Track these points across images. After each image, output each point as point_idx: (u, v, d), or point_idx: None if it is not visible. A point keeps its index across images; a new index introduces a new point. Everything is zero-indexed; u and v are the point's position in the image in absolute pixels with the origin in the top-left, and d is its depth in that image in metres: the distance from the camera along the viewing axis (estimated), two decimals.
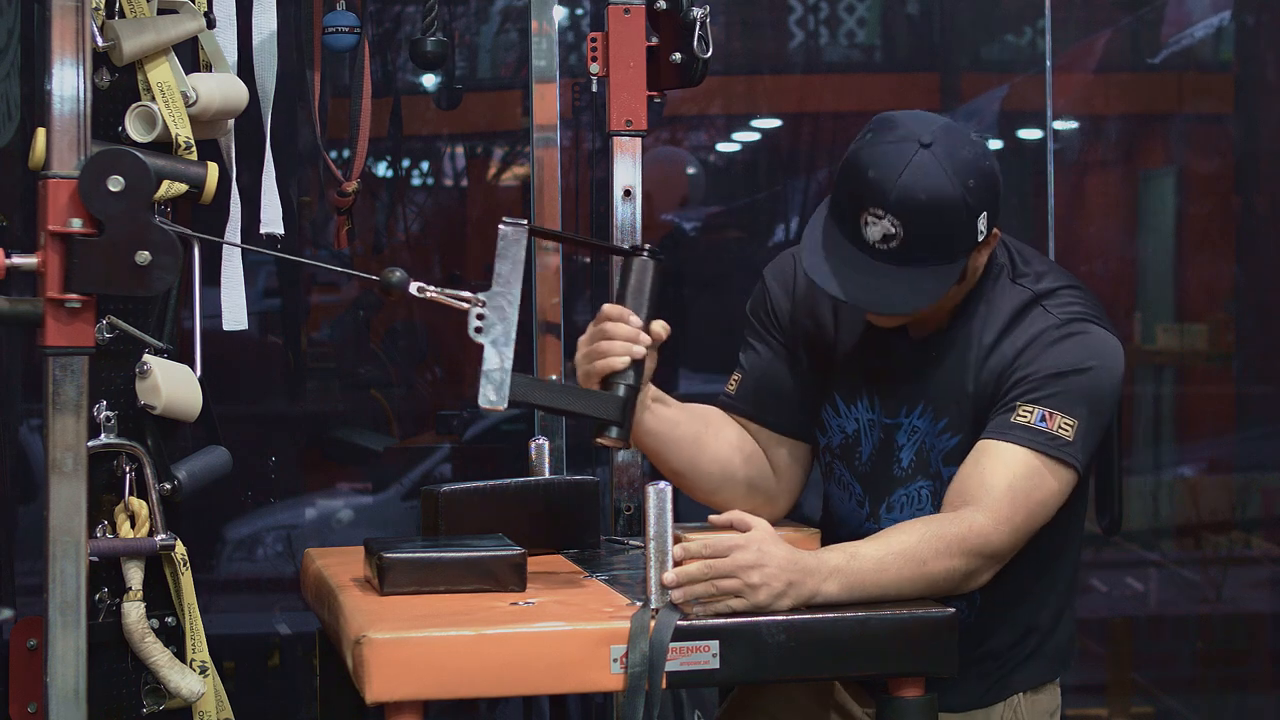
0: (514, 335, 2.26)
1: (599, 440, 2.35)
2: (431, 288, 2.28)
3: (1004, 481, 2.29)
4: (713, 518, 2.26)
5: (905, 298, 2.31)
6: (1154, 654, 4.77)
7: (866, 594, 2.20)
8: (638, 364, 2.36)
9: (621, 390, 2.35)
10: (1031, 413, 2.32)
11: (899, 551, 2.23)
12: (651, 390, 2.44)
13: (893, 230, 2.27)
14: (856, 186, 2.29)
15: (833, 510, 2.56)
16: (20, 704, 2.51)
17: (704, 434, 2.52)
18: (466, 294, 2.28)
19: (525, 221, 2.29)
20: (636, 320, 2.37)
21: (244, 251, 2.67)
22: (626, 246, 2.47)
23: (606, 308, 2.38)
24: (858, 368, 2.48)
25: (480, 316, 2.26)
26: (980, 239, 2.33)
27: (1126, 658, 4.67)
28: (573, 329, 3.22)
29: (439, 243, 4.40)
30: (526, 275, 3.10)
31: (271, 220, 2.74)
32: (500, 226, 2.28)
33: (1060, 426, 2.32)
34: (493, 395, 2.26)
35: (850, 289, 2.31)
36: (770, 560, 2.16)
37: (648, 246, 2.44)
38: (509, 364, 2.26)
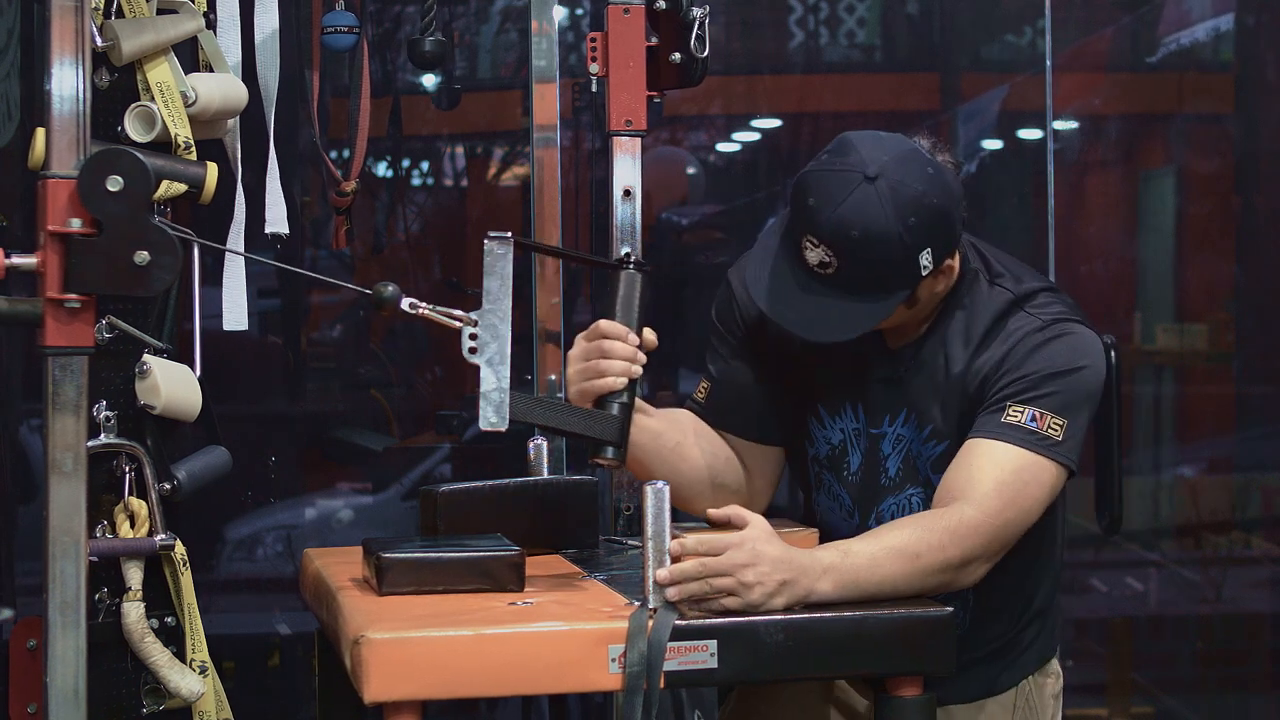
0: (509, 352, 2.24)
1: (596, 461, 2.33)
2: (424, 305, 2.25)
3: (993, 478, 2.29)
4: (711, 512, 2.26)
5: (834, 326, 2.30)
6: (1154, 654, 4.77)
7: (861, 591, 2.20)
8: (632, 381, 2.34)
9: (617, 409, 2.33)
10: (1022, 413, 2.32)
11: (892, 547, 2.23)
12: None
13: (828, 259, 2.27)
14: (799, 210, 2.30)
15: (822, 521, 2.56)
16: (20, 704, 2.51)
17: (684, 443, 2.51)
18: (458, 313, 2.26)
19: (510, 235, 2.26)
20: (634, 338, 2.34)
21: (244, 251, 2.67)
22: (612, 260, 2.44)
23: (603, 325, 2.35)
24: (838, 378, 2.47)
25: (473, 337, 2.24)
26: (925, 273, 2.30)
27: (1126, 658, 4.67)
28: (572, 330, 3.22)
29: (439, 243, 4.40)
30: (526, 278, 3.10)
31: (276, 220, 2.74)
32: (485, 242, 2.26)
33: (1050, 426, 2.32)
34: (493, 416, 2.23)
35: (781, 310, 2.31)
36: (764, 559, 2.16)
37: (633, 259, 2.41)
38: (506, 383, 2.24)
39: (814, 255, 2.28)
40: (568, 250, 2.36)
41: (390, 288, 2.25)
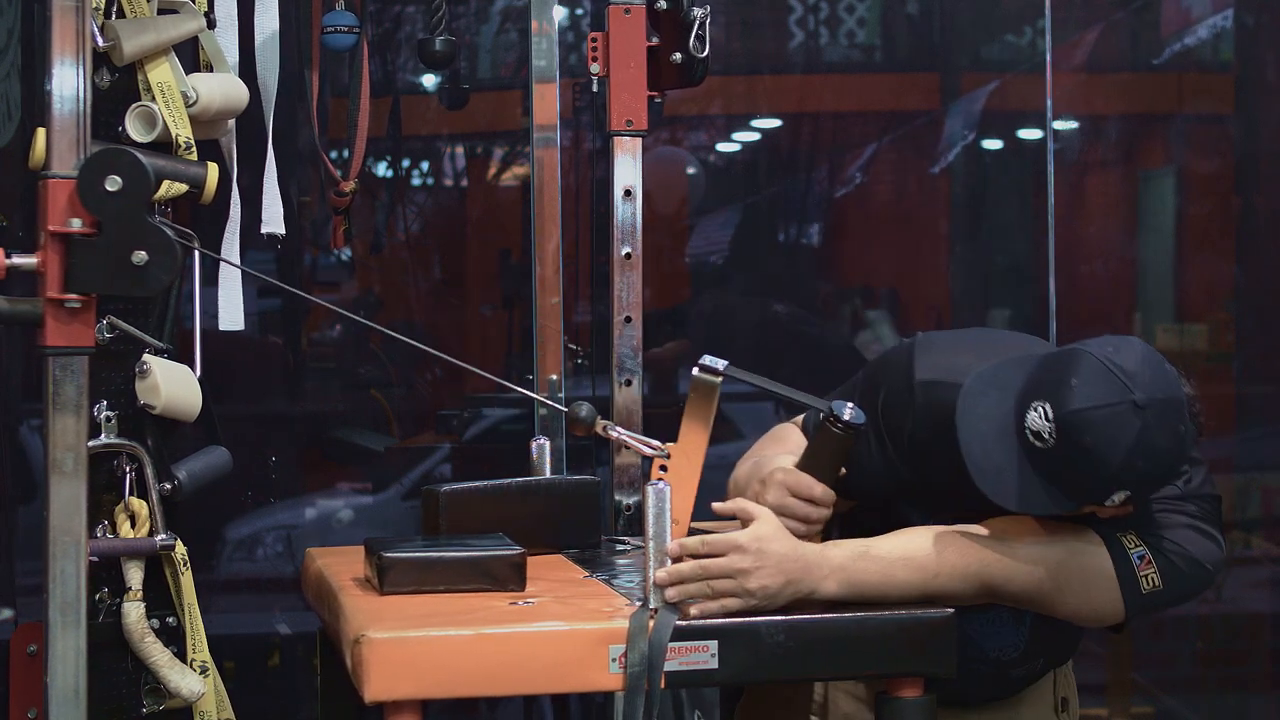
0: (690, 504, 2.19)
1: None
2: (619, 429, 2.26)
3: (1065, 564, 2.26)
4: (716, 505, 2.24)
5: (1009, 493, 2.22)
6: (1154, 654, 4.76)
7: (865, 595, 2.20)
8: None
9: None
10: (1139, 545, 2.28)
11: (912, 559, 2.22)
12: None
13: (1046, 437, 2.18)
14: (1054, 380, 2.20)
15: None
16: (20, 709, 2.51)
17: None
18: (654, 443, 2.24)
19: (724, 364, 2.20)
20: (826, 512, 2.30)
21: (242, 251, 2.66)
22: (822, 413, 2.31)
23: (819, 492, 2.30)
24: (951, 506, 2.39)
25: (663, 468, 2.22)
26: (1108, 505, 2.23)
27: (1126, 658, 4.67)
28: (572, 330, 3.22)
29: (438, 243, 4.40)
30: (526, 278, 3.11)
31: (272, 220, 2.74)
32: (695, 371, 2.21)
33: (1148, 578, 2.27)
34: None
35: (975, 452, 2.23)
36: (769, 560, 2.15)
37: (850, 411, 2.30)
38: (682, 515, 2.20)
39: (1039, 425, 2.19)
40: (784, 390, 2.28)
41: (585, 409, 2.25)
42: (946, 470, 2.31)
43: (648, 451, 2.25)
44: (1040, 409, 2.19)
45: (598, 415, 2.26)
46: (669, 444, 2.24)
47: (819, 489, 2.31)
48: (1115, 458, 2.16)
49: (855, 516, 2.52)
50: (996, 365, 2.30)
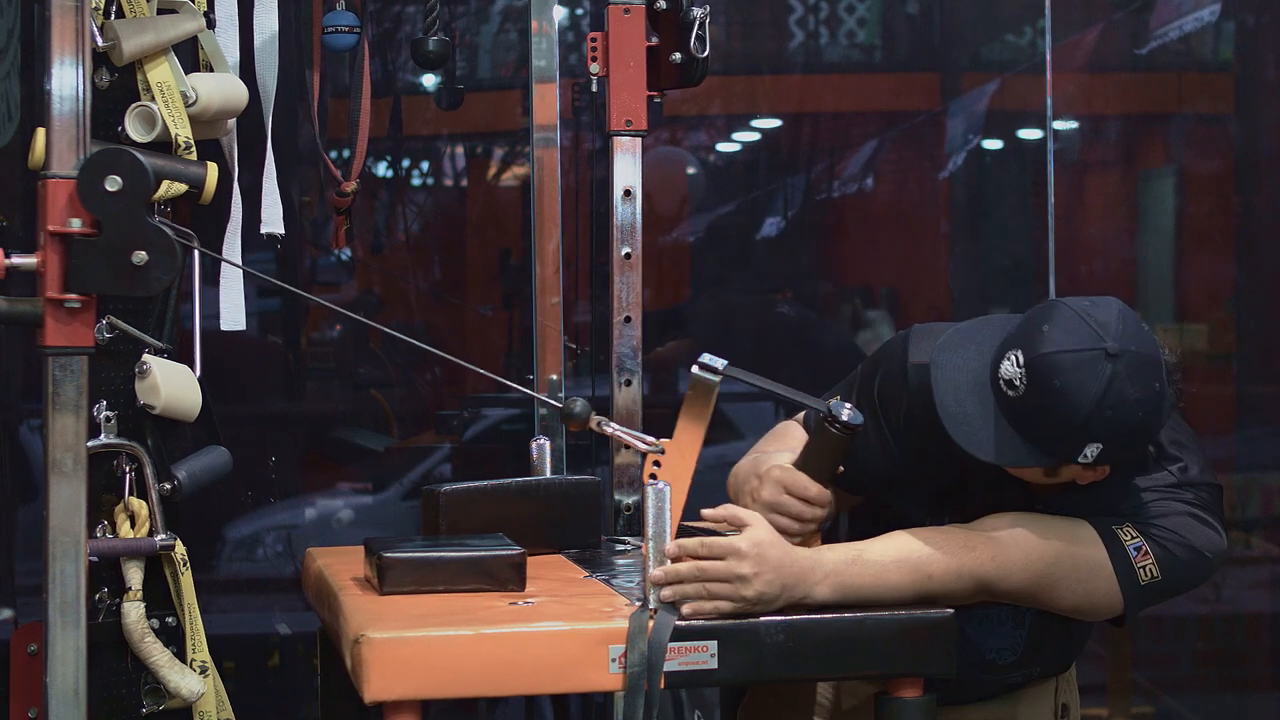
0: (683, 499, 2.21)
1: None
2: (611, 425, 2.27)
3: (1064, 551, 2.25)
4: (706, 512, 2.24)
5: (982, 442, 2.23)
6: (1154, 654, 4.76)
7: (859, 597, 2.19)
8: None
9: None
10: (1135, 536, 2.28)
11: (906, 560, 2.21)
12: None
13: (1017, 384, 2.20)
14: (1027, 330, 2.22)
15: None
16: (20, 709, 2.51)
17: None
18: (649, 438, 2.25)
19: (723, 363, 2.21)
20: (824, 511, 2.32)
21: (243, 251, 2.66)
22: (822, 413, 2.32)
23: (813, 491, 2.31)
24: (968, 500, 2.40)
25: (657, 463, 2.22)
26: (1084, 462, 2.22)
27: (1126, 658, 4.67)
28: (572, 330, 3.22)
29: (439, 243, 4.40)
30: (527, 277, 3.11)
31: (272, 220, 2.74)
32: (694, 370, 2.22)
33: (1146, 569, 2.27)
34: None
35: (948, 402, 2.24)
36: (766, 566, 2.14)
37: (848, 412, 2.31)
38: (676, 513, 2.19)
39: (1010, 371, 2.21)
40: (785, 390, 2.30)
41: (579, 404, 2.26)
42: (940, 453, 2.31)
43: (642, 447, 2.25)
44: (1013, 356, 2.21)
45: (592, 410, 2.26)
46: (663, 439, 2.24)
47: (814, 489, 2.32)
48: (1084, 402, 2.16)
49: (861, 513, 2.52)
50: (977, 321, 2.33)
